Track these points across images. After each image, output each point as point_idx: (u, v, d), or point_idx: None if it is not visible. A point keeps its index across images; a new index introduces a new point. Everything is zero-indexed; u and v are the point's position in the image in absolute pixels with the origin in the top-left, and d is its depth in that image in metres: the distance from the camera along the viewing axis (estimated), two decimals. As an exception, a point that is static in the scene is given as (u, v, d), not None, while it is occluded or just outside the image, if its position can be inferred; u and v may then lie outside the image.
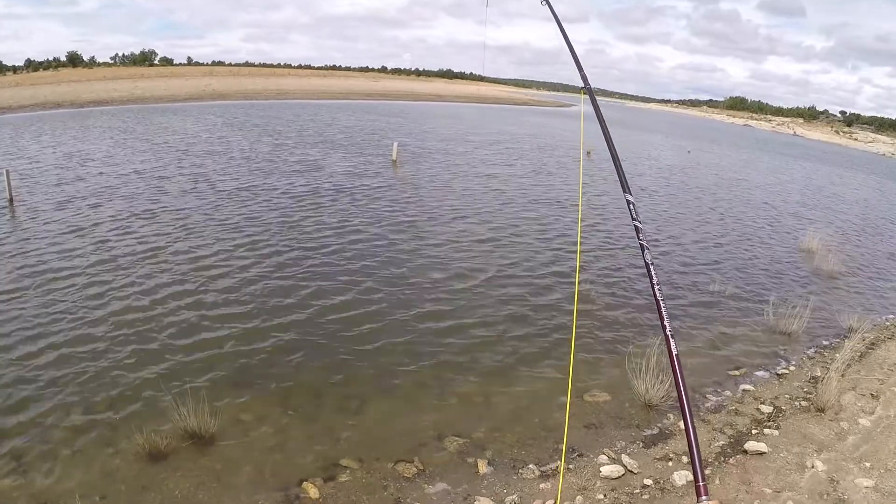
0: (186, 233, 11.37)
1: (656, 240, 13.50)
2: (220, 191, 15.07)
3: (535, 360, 7.26)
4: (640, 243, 2.45)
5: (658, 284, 2.45)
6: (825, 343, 8.70)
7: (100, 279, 8.75)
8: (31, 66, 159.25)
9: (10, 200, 13.51)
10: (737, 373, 7.43)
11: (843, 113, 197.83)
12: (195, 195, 14.24)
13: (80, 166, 17.45)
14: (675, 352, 2.23)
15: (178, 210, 12.92)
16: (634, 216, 2.58)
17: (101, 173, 16.49)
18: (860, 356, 7.90)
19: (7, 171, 13.98)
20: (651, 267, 2.44)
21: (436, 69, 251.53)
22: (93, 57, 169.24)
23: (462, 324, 8.05)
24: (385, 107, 54.67)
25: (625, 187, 2.80)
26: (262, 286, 8.86)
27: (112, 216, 12.26)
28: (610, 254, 12.17)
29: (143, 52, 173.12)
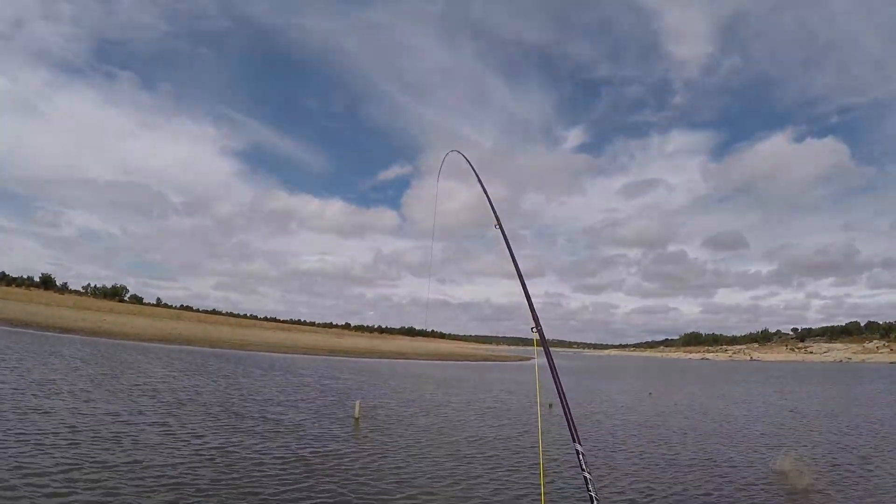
0: (98, 464, 10.63)
1: (626, 477, 13.15)
2: (168, 445, 14.50)
3: None
4: (590, 494, 2.40)
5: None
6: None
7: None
8: (5, 279, 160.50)
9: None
10: None
11: (794, 330, 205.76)
12: (150, 449, 13.56)
13: (44, 397, 16.88)
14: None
15: (124, 462, 12.24)
16: (584, 467, 2.54)
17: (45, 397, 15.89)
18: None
19: None
20: None
21: (398, 326, 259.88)
22: (65, 283, 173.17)
23: None
24: (348, 364, 55.20)
25: (574, 437, 2.77)
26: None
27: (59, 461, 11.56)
28: None
29: (114, 287, 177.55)
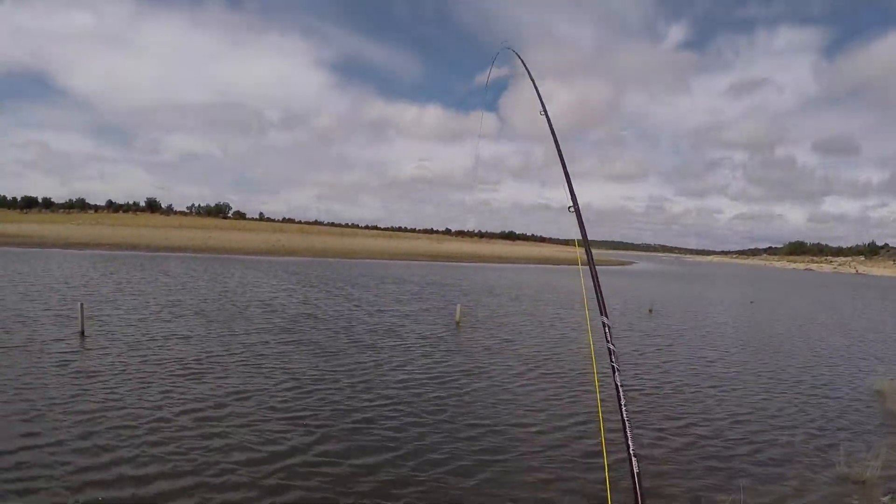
0: (233, 372, 11.82)
1: (723, 393, 13.08)
2: (283, 341, 15.76)
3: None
4: (612, 365, 2.62)
5: (626, 405, 2.58)
6: (903, 489, 8.09)
7: (158, 420, 9.01)
8: (113, 206, 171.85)
9: (82, 332, 14.35)
10: (808, 526, 6.99)
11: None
12: (256, 345, 14.83)
13: (151, 308, 18.58)
14: (636, 471, 2.30)
15: (240, 364, 13.38)
16: (608, 339, 2.74)
17: (169, 316, 17.40)
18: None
19: (82, 304, 15.00)
20: (620, 389, 2.61)
21: (498, 231, 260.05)
22: (170, 205, 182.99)
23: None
24: (449, 269, 56.31)
25: (602, 311, 2.96)
26: (306, 430, 8.99)
27: (178, 357, 12.83)
28: (669, 411, 11.88)
29: (217, 205, 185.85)
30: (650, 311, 28.03)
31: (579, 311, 25.78)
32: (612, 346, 2.80)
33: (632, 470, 2.36)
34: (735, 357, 17.47)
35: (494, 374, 13.33)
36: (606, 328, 2.91)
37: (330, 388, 11.26)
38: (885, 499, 7.70)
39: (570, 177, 3.71)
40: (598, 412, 10.21)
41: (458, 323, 20.23)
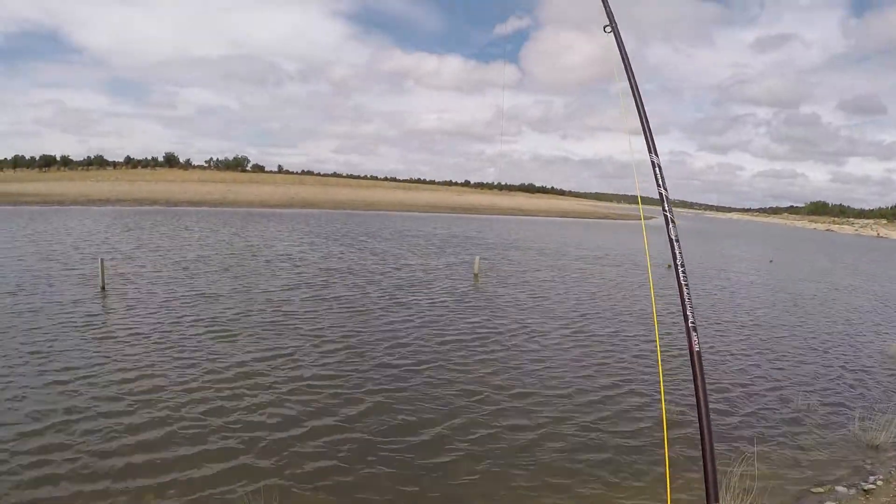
0: (262, 331, 12.06)
1: (741, 353, 13.13)
2: (313, 296, 15.99)
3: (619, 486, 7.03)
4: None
5: (687, 286, 2.69)
6: (916, 454, 8.19)
7: (178, 369, 9.35)
8: (131, 163, 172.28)
9: (103, 287, 14.66)
10: (821, 490, 7.03)
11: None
12: (283, 302, 15.05)
13: (173, 265, 18.90)
14: (696, 349, 2.32)
15: (258, 315, 13.69)
16: (660, 182, 2.66)
17: (193, 273, 17.73)
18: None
19: (102, 259, 15.31)
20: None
21: (518, 183, 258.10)
22: (188, 159, 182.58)
23: (538, 446, 7.77)
24: (468, 220, 56.20)
25: (651, 148, 2.83)
26: (338, 391, 9.14)
27: (196, 315, 13.12)
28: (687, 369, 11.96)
29: (236, 158, 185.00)
30: (669, 266, 27.78)
31: (606, 266, 25.67)
32: (663, 191, 2.72)
33: (691, 349, 2.49)
34: (750, 317, 17.50)
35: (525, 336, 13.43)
36: (657, 168, 2.80)
37: (356, 347, 11.47)
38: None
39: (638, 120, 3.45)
40: (652, 380, 10.41)
41: (476, 275, 20.35)
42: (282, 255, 22.88)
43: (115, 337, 11.02)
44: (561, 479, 6.84)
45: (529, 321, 14.51)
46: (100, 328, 11.55)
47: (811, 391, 10.72)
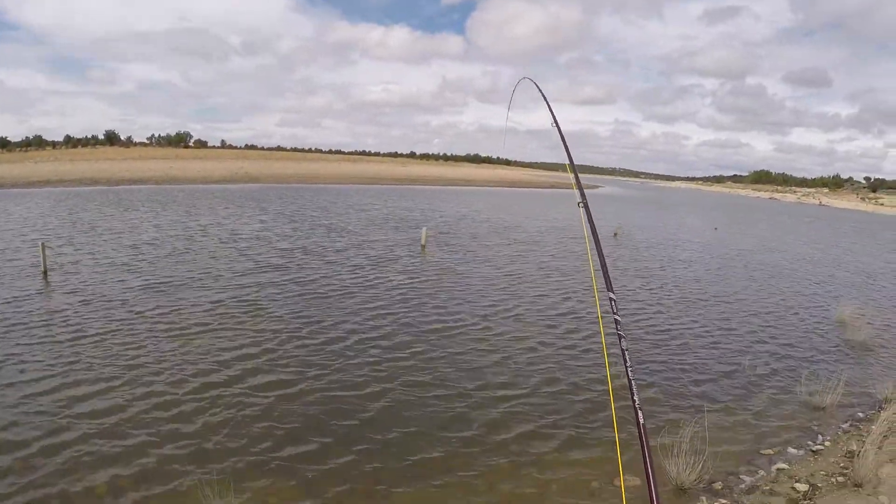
0: (210, 312, 11.69)
1: (689, 320, 13.39)
2: (250, 271, 15.64)
3: (566, 446, 7.15)
4: (618, 333, 2.85)
5: (631, 367, 2.73)
6: (860, 416, 8.50)
7: (123, 353, 9.04)
8: (71, 142, 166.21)
9: (45, 272, 14.13)
10: (770, 451, 7.24)
11: (867, 179, 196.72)
12: (225, 281, 14.54)
13: (113, 244, 18.19)
14: (642, 422, 2.55)
15: (201, 292, 13.34)
16: (615, 311, 2.95)
17: (135, 249, 17.10)
18: (898, 427, 7.69)
19: (42, 243, 14.80)
20: (626, 353, 2.75)
21: (464, 154, 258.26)
22: (130, 136, 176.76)
23: (488, 413, 7.90)
24: (414, 192, 55.86)
25: (608, 286, 3.12)
26: (284, 368, 9.00)
27: (141, 290, 12.80)
28: (637, 338, 12.12)
29: (178, 134, 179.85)
30: (615, 234, 28.28)
31: (548, 241, 25.76)
32: (618, 318, 2.98)
33: (638, 423, 2.57)
34: (698, 285, 17.84)
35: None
36: (613, 302, 3.04)
37: (312, 329, 11.25)
38: (844, 426, 8.05)
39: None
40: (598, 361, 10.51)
41: (423, 247, 20.26)
42: (231, 234, 22.10)
43: (56, 326, 10.43)
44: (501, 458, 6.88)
45: (472, 291, 14.56)
46: (41, 316, 10.92)
47: (759, 357, 11.01)
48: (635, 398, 2.61)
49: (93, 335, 9.87)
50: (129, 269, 15.07)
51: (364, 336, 10.65)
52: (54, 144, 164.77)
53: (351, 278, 15.27)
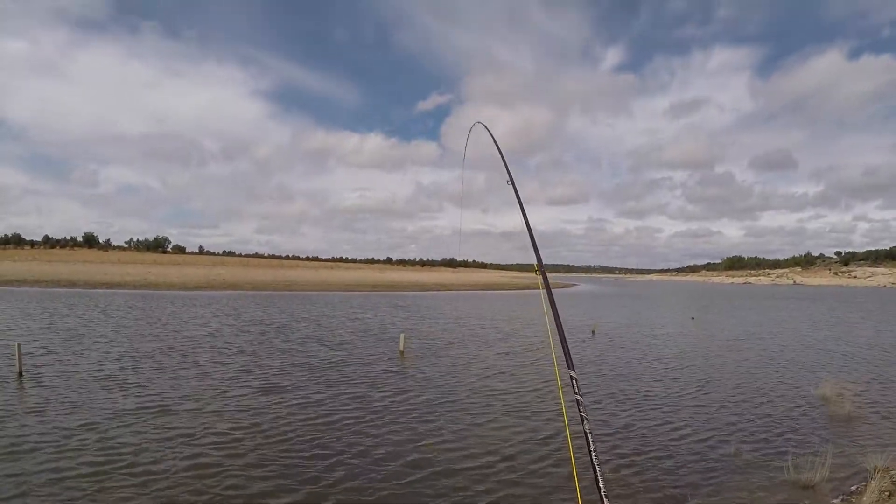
0: (182, 426, 11.38)
1: (669, 412, 13.19)
2: (241, 393, 15.52)
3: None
4: (581, 415, 2.91)
5: (595, 451, 2.82)
6: (851, 488, 8.35)
7: (97, 457, 8.59)
8: (49, 242, 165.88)
9: (20, 373, 13.84)
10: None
11: (838, 254, 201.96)
12: (203, 387, 14.26)
13: (88, 351, 17.75)
14: (578, 397, 2.76)
15: (179, 401, 13.02)
16: (576, 390, 2.90)
17: (110, 360, 16.71)
18: (889, 495, 7.52)
19: (19, 344, 14.60)
20: (590, 436, 2.83)
21: (440, 258, 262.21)
22: (108, 239, 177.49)
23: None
24: (392, 298, 55.83)
25: (569, 364, 3.09)
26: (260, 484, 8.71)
27: (112, 397, 12.24)
28: (614, 429, 11.97)
29: (156, 239, 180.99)
30: (593, 332, 28.34)
31: (527, 339, 25.76)
32: (579, 398, 3.07)
33: None
34: (679, 373, 17.74)
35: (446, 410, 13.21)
36: (574, 381, 3.12)
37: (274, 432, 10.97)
38: (836, 501, 7.89)
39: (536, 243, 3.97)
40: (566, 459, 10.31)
41: (401, 352, 19.96)
42: (206, 340, 21.80)
43: (29, 426, 10.08)
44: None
45: (451, 393, 14.34)
46: (14, 415, 10.57)
47: (744, 439, 10.85)
48: (601, 485, 2.57)
49: (62, 434, 9.43)
50: (100, 373, 14.60)
51: (350, 444, 10.39)
52: (33, 244, 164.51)
53: (334, 386, 15.26)
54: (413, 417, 11.73)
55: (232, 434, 10.14)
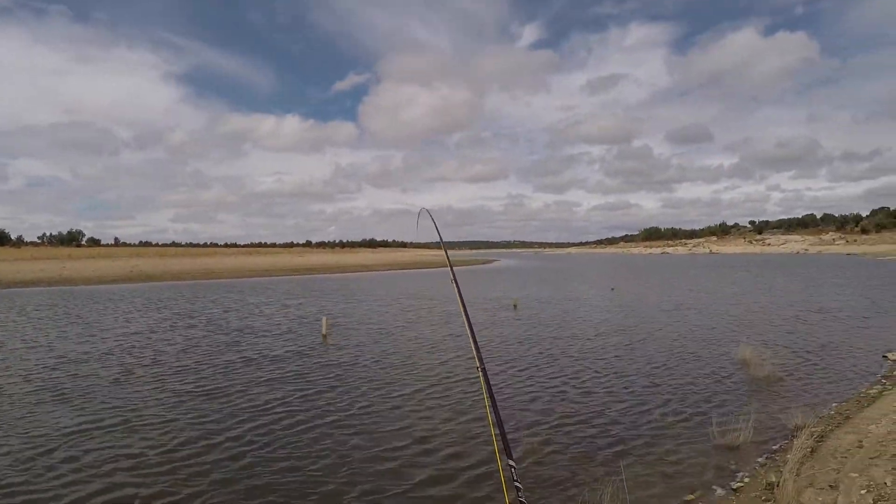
0: (102, 421, 10.65)
1: (595, 373, 13.44)
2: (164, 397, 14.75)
3: None
4: (516, 484, 2.99)
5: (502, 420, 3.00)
6: (774, 447, 8.49)
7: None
8: None
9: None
10: (692, 496, 7.00)
11: (752, 223, 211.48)
12: (121, 386, 13.25)
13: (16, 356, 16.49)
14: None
15: (104, 396, 12.24)
16: (515, 479, 3.07)
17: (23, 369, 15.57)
18: (811, 451, 7.72)
19: None
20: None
21: (360, 239, 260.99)
22: (20, 236, 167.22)
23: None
24: (312, 281, 55.13)
25: (507, 453, 3.21)
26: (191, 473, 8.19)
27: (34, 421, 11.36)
28: (536, 402, 11.91)
29: (70, 232, 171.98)
30: (514, 306, 28.55)
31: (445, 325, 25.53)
32: (518, 485, 3.08)
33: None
34: (598, 342, 17.94)
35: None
36: (513, 470, 3.10)
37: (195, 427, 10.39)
38: (761, 459, 7.98)
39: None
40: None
41: (324, 336, 19.50)
42: (129, 339, 20.35)
43: None
44: None
45: (375, 376, 13.96)
46: None
47: (667, 405, 10.95)
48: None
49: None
50: (18, 381, 13.62)
51: (267, 430, 9.93)
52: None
53: (253, 372, 14.68)
54: (331, 401, 11.34)
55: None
